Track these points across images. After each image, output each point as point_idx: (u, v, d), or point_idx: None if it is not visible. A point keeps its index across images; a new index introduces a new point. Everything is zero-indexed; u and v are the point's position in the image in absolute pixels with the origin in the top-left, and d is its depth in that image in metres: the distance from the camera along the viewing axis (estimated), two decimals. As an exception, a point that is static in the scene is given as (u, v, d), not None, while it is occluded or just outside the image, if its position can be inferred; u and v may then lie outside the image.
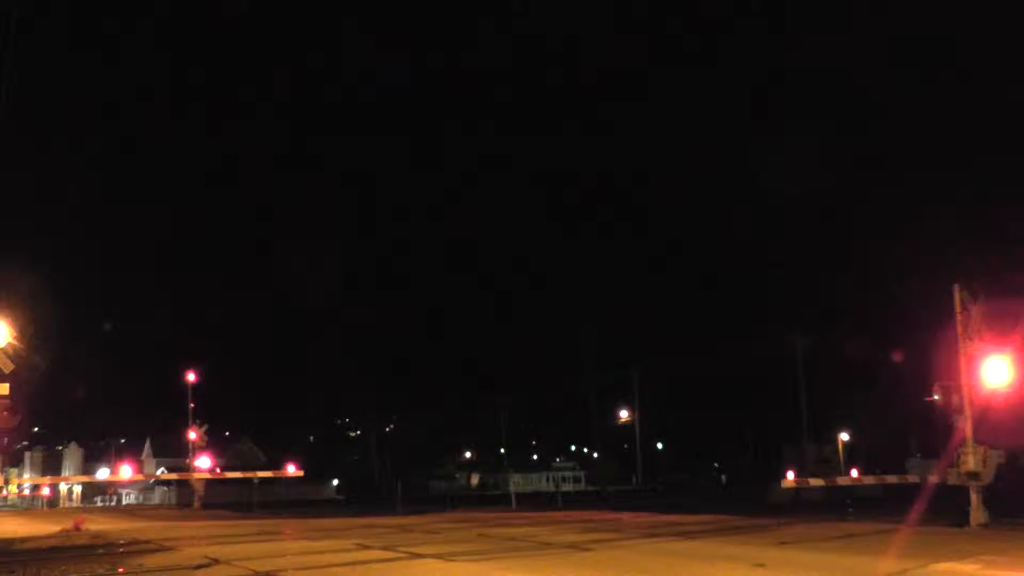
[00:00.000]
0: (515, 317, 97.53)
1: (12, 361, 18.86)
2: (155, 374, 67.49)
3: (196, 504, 39.30)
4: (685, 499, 45.27)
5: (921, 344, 30.75)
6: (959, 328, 19.30)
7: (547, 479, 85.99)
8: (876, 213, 76.49)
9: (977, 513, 18.81)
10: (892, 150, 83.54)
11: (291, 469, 40.67)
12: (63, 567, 13.24)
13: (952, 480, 19.61)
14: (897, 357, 49.91)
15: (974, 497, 18.93)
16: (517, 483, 62.23)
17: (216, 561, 13.63)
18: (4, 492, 72.15)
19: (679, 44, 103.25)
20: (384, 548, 15.20)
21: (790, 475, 28.49)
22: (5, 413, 19.62)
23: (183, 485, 50.58)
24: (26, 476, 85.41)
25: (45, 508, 61.90)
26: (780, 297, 72.71)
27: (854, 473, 35.65)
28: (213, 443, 45.33)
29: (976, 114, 77.33)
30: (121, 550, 16.31)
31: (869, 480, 30.43)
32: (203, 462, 40.10)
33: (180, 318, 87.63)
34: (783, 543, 15.33)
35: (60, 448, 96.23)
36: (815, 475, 35.55)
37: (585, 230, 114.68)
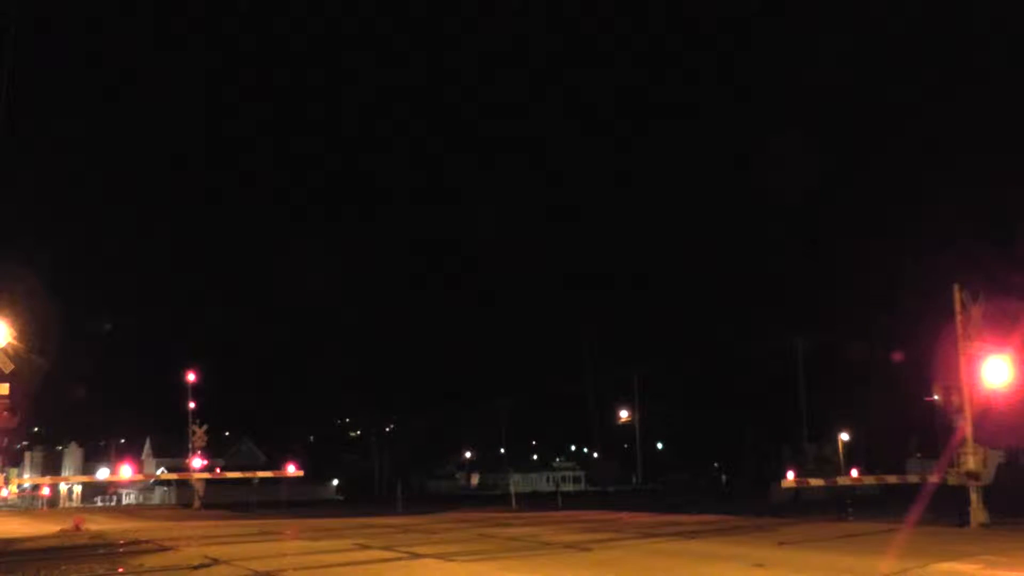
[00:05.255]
0: (515, 317, 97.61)
1: (12, 361, 18.86)
2: (155, 374, 67.58)
3: (196, 504, 39.26)
4: (685, 499, 45.27)
5: (921, 344, 30.77)
6: (959, 328, 19.30)
7: (547, 479, 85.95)
8: (876, 213, 76.55)
9: (977, 513, 18.81)
10: (892, 150, 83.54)
11: (291, 469, 40.61)
12: (63, 567, 13.22)
13: (952, 480, 19.61)
14: (897, 357, 49.90)
15: (974, 497, 18.93)
16: (517, 483, 62.12)
17: (216, 561, 13.61)
18: (4, 492, 72.05)
19: (679, 43, 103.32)
20: (384, 548, 15.18)
21: (790, 475, 28.50)
22: (5, 413, 19.63)
23: (183, 485, 50.56)
24: (26, 476, 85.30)
25: (45, 508, 61.85)
26: (780, 297, 72.73)
27: (854, 473, 35.63)
28: (213, 443, 45.31)
29: (976, 114, 77.38)
30: (121, 550, 16.29)
31: (869, 480, 30.40)
32: (202, 462, 40.09)
33: (180, 318, 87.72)
34: (783, 543, 15.31)
35: (60, 448, 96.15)
36: (815, 475, 35.58)
37: (586, 229, 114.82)
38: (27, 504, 77.31)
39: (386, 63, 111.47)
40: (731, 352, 74.35)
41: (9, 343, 19.04)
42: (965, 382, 19.21)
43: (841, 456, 59.92)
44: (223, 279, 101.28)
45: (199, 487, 39.88)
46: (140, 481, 66.40)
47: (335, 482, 79.13)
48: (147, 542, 17.64)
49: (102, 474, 53.66)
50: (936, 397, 20.98)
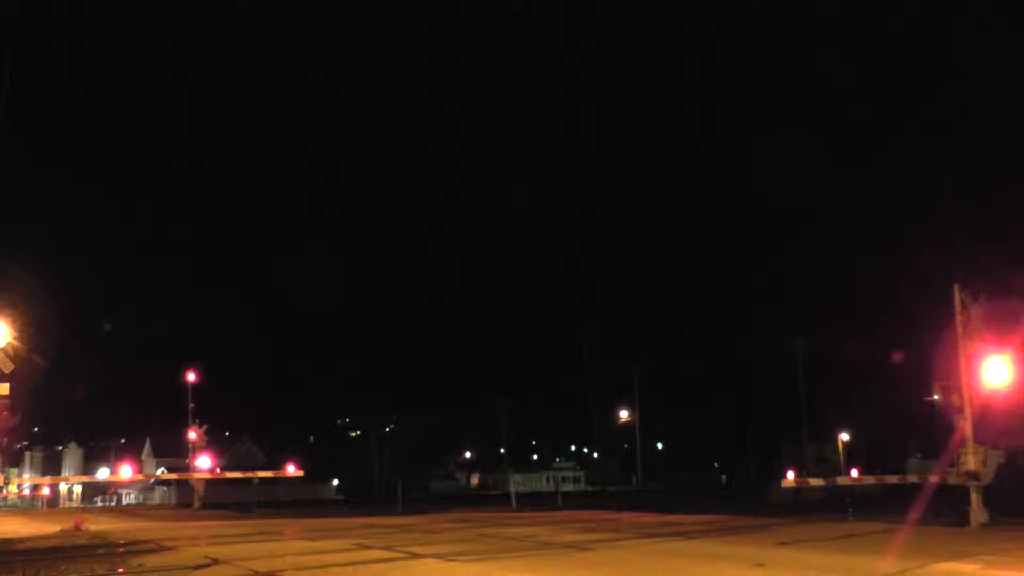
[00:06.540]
0: (515, 317, 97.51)
1: (12, 361, 18.87)
2: (155, 374, 67.48)
3: (196, 504, 39.23)
4: (685, 499, 45.26)
5: (921, 344, 30.76)
6: (959, 328, 19.31)
7: (547, 479, 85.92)
8: (876, 213, 76.55)
9: (977, 513, 18.81)
10: (892, 149, 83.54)
11: (291, 469, 40.59)
12: (63, 567, 13.23)
13: (952, 480, 19.62)
14: (897, 357, 49.89)
15: (974, 497, 18.93)
16: (517, 483, 62.13)
17: (216, 561, 13.62)
18: (4, 492, 72.12)
19: (679, 43, 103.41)
20: (384, 548, 15.19)
21: (790, 475, 28.49)
22: (5, 413, 19.65)
23: (183, 485, 50.54)
24: (26, 476, 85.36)
25: (45, 508, 61.78)
26: (780, 297, 72.66)
27: (854, 473, 35.65)
28: (213, 443, 45.29)
29: (976, 114, 77.41)
30: (121, 550, 16.30)
31: (869, 480, 30.43)
32: (203, 462, 40.04)
33: (180, 318, 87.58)
34: (783, 543, 15.32)
35: (60, 448, 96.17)
36: (815, 475, 35.56)
37: (585, 229, 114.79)
38: (27, 504, 77.33)
39: (390, 63, 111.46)
40: (731, 352, 74.36)
41: (9, 343, 19.05)
42: (965, 382, 19.21)
43: (841, 456, 59.90)
44: (223, 279, 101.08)
45: (199, 487, 39.85)
46: (140, 481, 66.41)
47: (335, 482, 79.13)
48: (147, 542, 17.64)
49: (102, 474, 53.64)
50: (936, 397, 20.97)
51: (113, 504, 72.04)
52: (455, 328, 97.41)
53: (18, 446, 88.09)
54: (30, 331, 20.77)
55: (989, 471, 19.09)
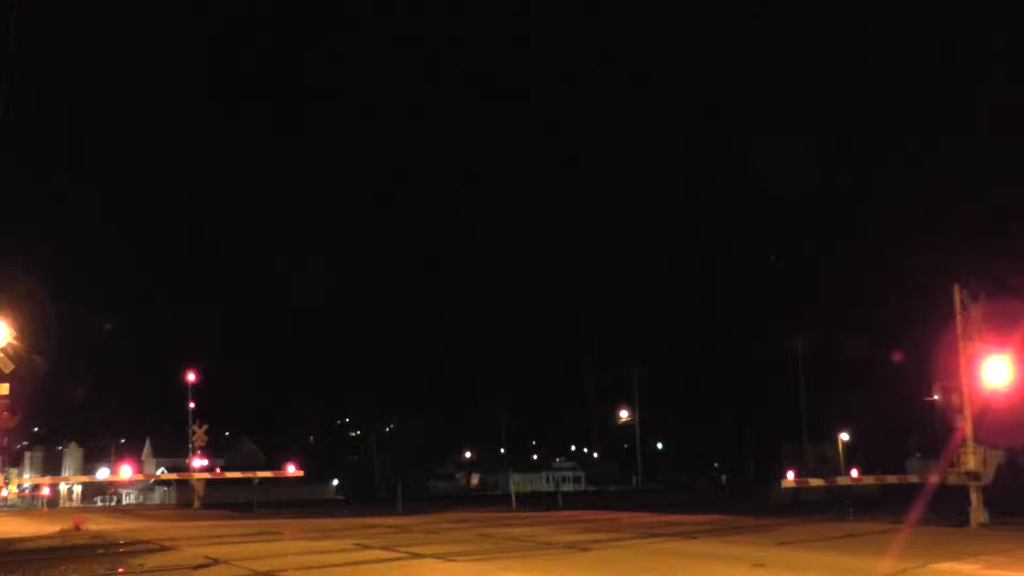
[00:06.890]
0: (515, 317, 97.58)
1: (12, 361, 18.88)
2: (155, 374, 67.56)
3: (196, 504, 39.24)
4: (685, 499, 45.29)
5: (921, 344, 30.76)
6: (959, 328, 19.30)
7: (547, 479, 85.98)
8: (876, 213, 76.54)
9: (977, 513, 18.81)
10: (892, 150, 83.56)
11: (291, 469, 40.64)
12: (63, 567, 13.22)
13: (952, 480, 19.62)
14: (897, 357, 49.90)
15: (974, 497, 18.93)
16: (517, 483, 62.18)
17: (216, 561, 13.61)
18: (4, 492, 72.06)
19: (680, 42, 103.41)
20: (384, 548, 15.19)
21: (790, 475, 28.54)
22: (5, 413, 19.66)
23: (183, 485, 50.53)
24: (26, 476, 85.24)
25: (45, 508, 61.75)
26: (780, 297, 72.64)
27: (854, 473, 35.67)
28: (213, 443, 45.32)
29: (976, 115, 77.39)
30: (121, 550, 16.29)
31: (869, 480, 30.44)
32: (202, 462, 40.09)
33: (180, 318, 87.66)
34: (783, 543, 15.32)
35: (60, 448, 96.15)
36: (815, 475, 35.60)
37: (587, 230, 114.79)
38: (27, 504, 77.26)
39: (386, 59, 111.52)
40: (731, 352, 74.42)
41: (9, 343, 19.06)
42: (965, 382, 19.21)
43: (841, 456, 59.93)
44: (223, 278, 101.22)
45: (199, 487, 39.86)
46: (140, 481, 66.40)
47: (335, 482, 79.12)
48: (147, 542, 17.64)
49: (102, 474, 53.61)
50: (936, 397, 20.97)
51: (113, 504, 72.05)
52: (455, 328, 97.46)
53: (18, 446, 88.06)
54: (30, 331, 20.79)
55: (989, 471, 19.08)
